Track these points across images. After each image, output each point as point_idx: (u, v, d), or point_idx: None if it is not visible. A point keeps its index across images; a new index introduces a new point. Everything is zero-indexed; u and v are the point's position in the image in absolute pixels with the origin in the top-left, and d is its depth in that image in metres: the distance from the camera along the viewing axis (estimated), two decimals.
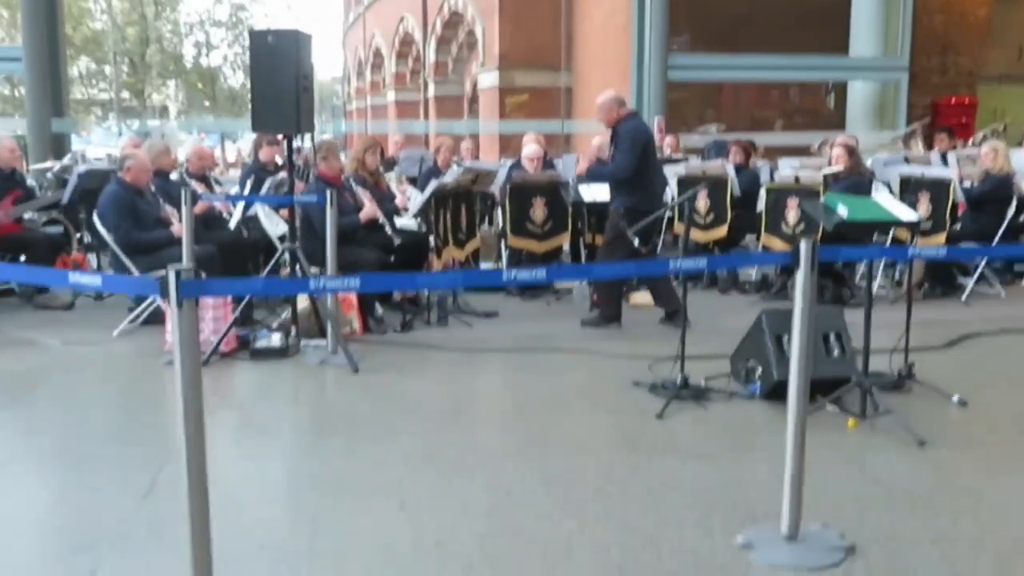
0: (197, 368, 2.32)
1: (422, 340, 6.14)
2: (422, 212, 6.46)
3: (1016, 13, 15.58)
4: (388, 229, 6.25)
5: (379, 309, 6.59)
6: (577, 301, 7.43)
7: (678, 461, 3.90)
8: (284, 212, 6.46)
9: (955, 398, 4.69)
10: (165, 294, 2.25)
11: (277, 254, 5.70)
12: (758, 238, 8.00)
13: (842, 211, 4.25)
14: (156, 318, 5.98)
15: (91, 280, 2.40)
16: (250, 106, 5.37)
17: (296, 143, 5.49)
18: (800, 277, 2.95)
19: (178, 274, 2.24)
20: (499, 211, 8.81)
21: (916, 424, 4.16)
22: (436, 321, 6.60)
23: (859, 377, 4.48)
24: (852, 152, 7.63)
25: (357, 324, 6.27)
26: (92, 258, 8.08)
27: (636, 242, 5.71)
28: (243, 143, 20.59)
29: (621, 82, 13.81)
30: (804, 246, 2.89)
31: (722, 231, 7.91)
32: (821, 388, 4.43)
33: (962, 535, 3.15)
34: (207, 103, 34.18)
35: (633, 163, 6.11)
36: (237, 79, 33.17)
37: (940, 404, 4.65)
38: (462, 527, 3.22)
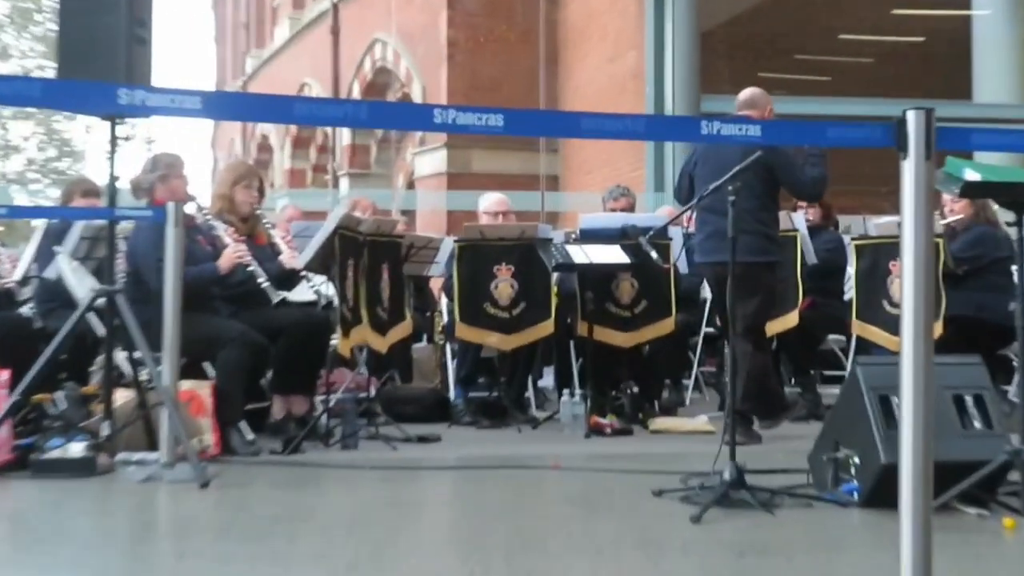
0: None
1: (316, 460, 5.92)
2: (318, 262, 6.33)
3: None
4: (265, 282, 6.10)
5: (248, 432, 6.35)
6: (567, 425, 7.22)
7: (731, 557, 3.67)
8: None
9: None
10: None
11: (83, 305, 5.51)
12: (848, 331, 7.88)
13: (970, 175, 4.27)
14: None
15: None
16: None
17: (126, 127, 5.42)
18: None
19: None
20: (441, 307, 8.75)
21: None
22: (340, 441, 6.37)
23: (1015, 452, 4.31)
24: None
25: (211, 438, 6.00)
26: None
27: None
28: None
29: (635, 151, 14.04)
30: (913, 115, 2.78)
31: (792, 319, 7.79)
32: (956, 477, 4.26)
33: None
34: None
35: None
36: None
37: None
38: None
